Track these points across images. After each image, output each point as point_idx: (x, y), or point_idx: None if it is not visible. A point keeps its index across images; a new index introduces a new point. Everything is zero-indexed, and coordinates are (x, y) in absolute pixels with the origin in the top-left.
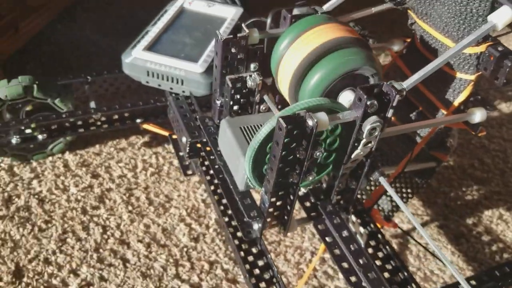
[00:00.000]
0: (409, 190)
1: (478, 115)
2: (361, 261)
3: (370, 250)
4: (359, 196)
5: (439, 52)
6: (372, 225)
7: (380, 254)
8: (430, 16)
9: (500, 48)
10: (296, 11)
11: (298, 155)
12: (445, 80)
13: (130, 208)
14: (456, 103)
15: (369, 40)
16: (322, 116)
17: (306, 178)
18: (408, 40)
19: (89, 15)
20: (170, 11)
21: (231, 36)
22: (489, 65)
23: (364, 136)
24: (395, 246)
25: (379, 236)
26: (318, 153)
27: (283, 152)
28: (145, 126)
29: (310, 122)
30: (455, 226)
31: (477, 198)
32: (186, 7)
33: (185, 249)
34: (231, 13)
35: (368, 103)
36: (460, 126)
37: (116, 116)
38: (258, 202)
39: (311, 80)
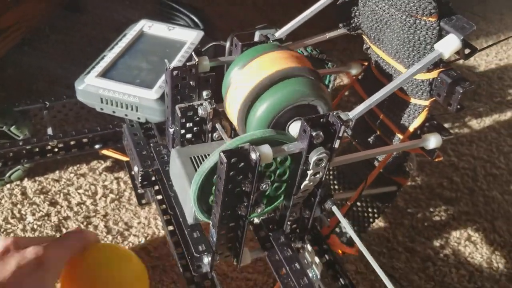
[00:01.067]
0: (370, 215)
1: (432, 141)
2: None
3: (328, 281)
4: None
5: (393, 77)
6: (329, 254)
7: (338, 285)
8: (382, 42)
9: (452, 74)
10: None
11: (244, 188)
12: (400, 106)
13: None
14: (411, 128)
15: (328, 63)
16: (266, 149)
17: (255, 210)
18: (366, 63)
19: (58, 37)
20: (129, 35)
21: (179, 65)
22: (441, 91)
23: (310, 167)
24: (361, 271)
25: (337, 265)
26: (264, 186)
27: (229, 186)
28: (104, 151)
29: (253, 156)
30: (422, 248)
31: (445, 219)
32: (145, 31)
33: None
34: (191, 37)
35: (313, 134)
36: (416, 151)
37: (73, 142)
38: None
39: (257, 111)
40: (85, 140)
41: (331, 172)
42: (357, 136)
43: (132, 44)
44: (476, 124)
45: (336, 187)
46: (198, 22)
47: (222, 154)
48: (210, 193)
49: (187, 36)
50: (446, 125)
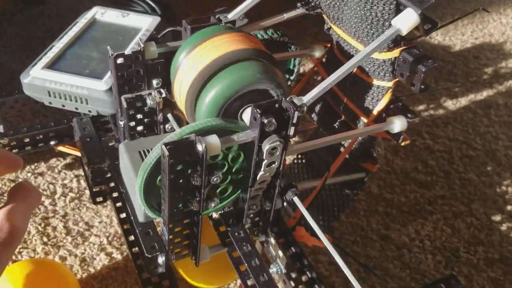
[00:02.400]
0: (340, 203)
1: (397, 124)
2: None
3: (293, 274)
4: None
5: None
6: (295, 247)
7: (304, 278)
8: (342, 21)
9: (414, 53)
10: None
11: (194, 182)
12: (363, 88)
13: (45, 239)
14: (375, 111)
15: (291, 46)
16: (213, 139)
17: (209, 205)
18: (329, 45)
19: (16, 31)
20: (80, 23)
21: (123, 52)
22: (404, 71)
23: (264, 157)
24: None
25: (303, 259)
26: (215, 179)
27: (175, 180)
28: (60, 148)
29: (199, 147)
30: (397, 235)
31: (420, 204)
32: (98, 18)
33: (104, 282)
34: (146, 23)
35: (265, 121)
36: (381, 136)
37: (27, 140)
38: None
39: (205, 98)
40: (39, 137)
41: (299, 161)
42: (322, 122)
43: (82, 32)
44: (451, 105)
45: (305, 176)
46: (156, 7)
47: (163, 147)
48: (158, 189)
49: (142, 23)
50: (420, 107)
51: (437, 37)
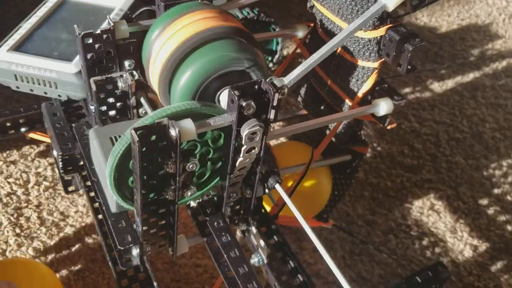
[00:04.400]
0: (335, 193)
1: (383, 107)
2: (250, 286)
3: (276, 264)
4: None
5: None
6: (278, 236)
7: (287, 268)
8: None
9: (401, 31)
10: None
11: (168, 169)
12: (347, 70)
13: (18, 230)
14: (360, 93)
15: (272, 26)
16: (187, 124)
17: (185, 193)
18: (312, 25)
19: None
20: (49, 3)
21: (91, 31)
22: (390, 50)
23: (243, 142)
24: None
25: (285, 247)
26: (191, 166)
27: (147, 168)
28: (32, 135)
29: (172, 132)
30: (383, 221)
31: (407, 188)
32: None
33: (80, 274)
34: (119, 2)
35: (243, 104)
36: (367, 119)
37: None
38: None
39: (179, 80)
40: (8, 123)
41: None
42: (308, 105)
43: (52, 13)
44: (438, 87)
45: None
46: None
47: (133, 132)
48: (130, 175)
49: (115, 2)
50: (406, 90)
51: (423, 19)
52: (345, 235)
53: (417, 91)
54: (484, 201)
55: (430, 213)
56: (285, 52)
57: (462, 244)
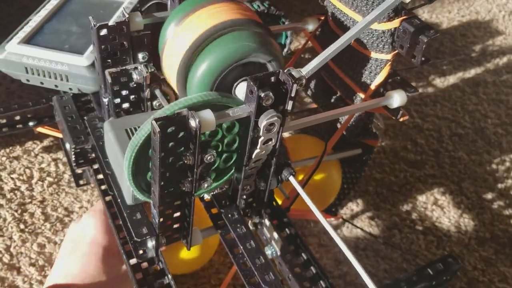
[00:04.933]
0: (345, 186)
1: (396, 99)
2: (267, 278)
3: (288, 256)
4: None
5: None
6: (290, 228)
7: (300, 260)
8: None
9: (415, 23)
10: None
11: (186, 161)
12: (360, 62)
13: (22, 226)
14: (373, 86)
15: (281, 19)
16: (207, 114)
17: (201, 185)
18: (323, 18)
19: None
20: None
21: (106, 22)
22: (404, 42)
23: (261, 134)
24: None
25: (298, 240)
26: (209, 157)
27: (167, 159)
28: (40, 129)
29: (192, 123)
30: (387, 216)
31: (410, 183)
32: None
33: None
34: None
35: (262, 95)
36: (379, 111)
37: (4, 121)
38: None
39: (197, 71)
40: (17, 118)
41: None
42: (318, 99)
43: (61, 6)
44: (440, 83)
45: None
46: None
47: (154, 122)
48: (148, 169)
49: None
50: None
51: (423, 15)
52: (349, 230)
53: (419, 86)
54: (487, 196)
55: (434, 208)
56: (292, 47)
57: (467, 238)
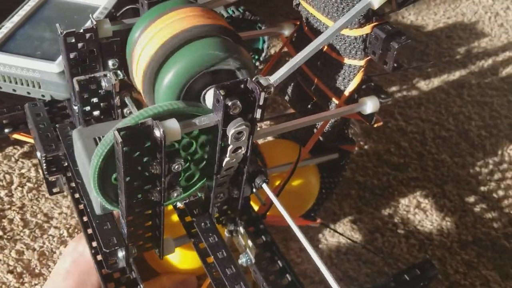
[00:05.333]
0: (323, 191)
1: (369, 105)
2: None
3: (264, 264)
4: None
5: None
6: (266, 235)
7: (275, 268)
8: None
9: (386, 29)
10: None
11: (153, 170)
12: (333, 68)
13: (0, 233)
14: (347, 92)
15: (258, 24)
16: (172, 124)
17: (171, 194)
18: (298, 23)
19: None
20: (32, 2)
21: (74, 30)
22: (376, 48)
23: (230, 142)
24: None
25: (274, 247)
26: (177, 166)
27: (132, 169)
28: (16, 136)
29: (157, 133)
30: (370, 219)
31: (393, 186)
32: None
33: None
34: (103, 1)
35: (229, 104)
36: (354, 117)
37: None
38: None
39: (163, 79)
40: None
41: None
42: (295, 104)
43: (34, 11)
44: (424, 85)
45: None
46: None
47: (116, 133)
48: (114, 178)
49: (100, 0)
50: (392, 88)
51: (409, 17)
52: (331, 234)
53: (404, 89)
54: (470, 199)
55: (417, 211)
56: (272, 51)
57: (449, 242)
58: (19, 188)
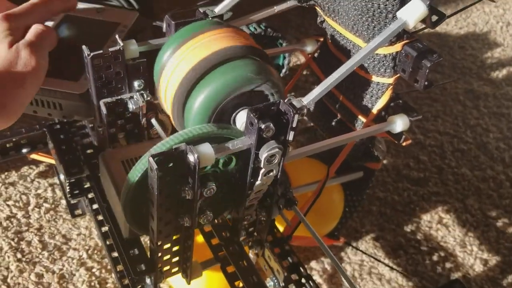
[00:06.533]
0: (346, 209)
1: (399, 124)
2: None
3: (292, 287)
4: None
5: (351, 53)
6: (292, 256)
7: None
8: (338, 14)
9: (417, 47)
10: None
11: (184, 196)
12: (361, 86)
13: (19, 255)
14: (375, 110)
15: (279, 40)
16: (205, 148)
17: (201, 219)
18: (321, 39)
19: None
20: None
21: (101, 51)
22: (407, 67)
23: (262, 165)
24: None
25: (301, 268)
26: (208, 191)
27: (165, 195)
28: (34, 156)
29: (191, 158)
30: (392, 236)
31: (414, 202)
32: (70, 13)
33: None
34: (123, 19)
35: (263, 127)
36: (382, 135)
37: None
38: None
39: (194, 102)
40: (9, 144)
41: None
42: (317, 120)
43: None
44: (440, 97)
45: None
46: (132, 1)
47: (151, 159)
48: (144, 203)
49: (119, 18)
50: (408, 101)
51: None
52: (354, 252)
53: (420, 101)
54: (492, 213)
55: (439, 227)
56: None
57: (472, 258)
58: (36, 209)
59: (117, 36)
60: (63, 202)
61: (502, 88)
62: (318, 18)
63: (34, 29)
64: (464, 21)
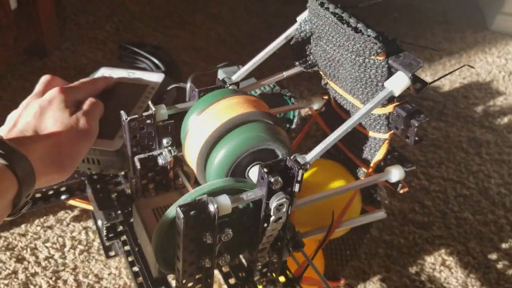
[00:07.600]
0: (347, 252)
1: (395, 174)
2: None
3: None
4: None
5: (351, 112)
6: None
7: None
8: (338, 79)
9: (407, 108)
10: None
11: (205, 240)
12: (360, 140)
13: None
14: (374, 161)
15: (290, 98)
16: (224, 200)
17: (220, 260)
18: (326, 97)
19: (19, 83)
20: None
21: (136, 116)
22: (398, 125)
23: (272, 213)
24: None
25: None
26: (226, 236)
27: (189, 240)
28: (71, 202)
29: (211, 208)
30: (398, 277)
31: (419, 245)
32: None
33: None
34: (152, 80)
35: (272, 180)
36: (382, 184)
37: (38, 195)
38: None
39: (215, 159)
40: (50, 192)
41: None
42: None
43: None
44: (444, 144)
45: None
46: (159, 63)
47: (178, 209)
48: (172, 246)
49: (148, 80)
50: (414, 148)
51: (426, 78)
52: None
53: (424, 149)
54: (493, 256)
55: (442, 268)
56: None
57: None
58: (72, 250)
59: (149, 102)
60: (95, 244)
61: (503, 136)
62: (322, 81)
63: (89, 102)
64: (467, 71)
